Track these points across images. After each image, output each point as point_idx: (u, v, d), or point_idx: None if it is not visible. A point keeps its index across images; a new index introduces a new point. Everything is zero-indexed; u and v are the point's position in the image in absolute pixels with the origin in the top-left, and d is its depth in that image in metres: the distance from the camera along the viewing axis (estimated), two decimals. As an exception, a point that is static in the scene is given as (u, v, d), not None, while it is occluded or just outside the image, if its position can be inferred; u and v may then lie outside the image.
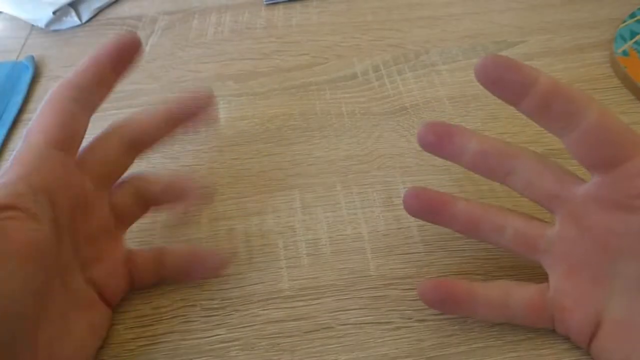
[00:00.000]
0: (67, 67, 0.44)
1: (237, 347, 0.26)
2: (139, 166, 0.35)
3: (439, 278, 0.28)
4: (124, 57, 0.28)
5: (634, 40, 0.39)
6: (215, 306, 0.28)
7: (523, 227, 0.25)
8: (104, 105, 0.40)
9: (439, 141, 0.25)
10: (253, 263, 0.30)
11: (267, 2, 0.49)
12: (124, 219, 0.28)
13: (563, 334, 0.25)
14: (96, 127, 0.38)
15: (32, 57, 0.45)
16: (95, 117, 0.39)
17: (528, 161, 0.24)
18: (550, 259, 0.25)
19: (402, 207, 0.31)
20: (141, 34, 0.47)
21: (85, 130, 0.27)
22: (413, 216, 0.26)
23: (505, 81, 0.21)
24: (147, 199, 0.28)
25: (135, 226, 0.32)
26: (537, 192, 0.24)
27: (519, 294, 0.25)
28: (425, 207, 0.26)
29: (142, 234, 0.31)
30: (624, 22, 0.42)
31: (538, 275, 0.28)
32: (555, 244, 0.24)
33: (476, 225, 0.25)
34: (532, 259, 0.25)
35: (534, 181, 0.24)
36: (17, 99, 0.41)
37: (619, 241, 0.22)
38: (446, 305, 0.25)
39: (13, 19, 0.50)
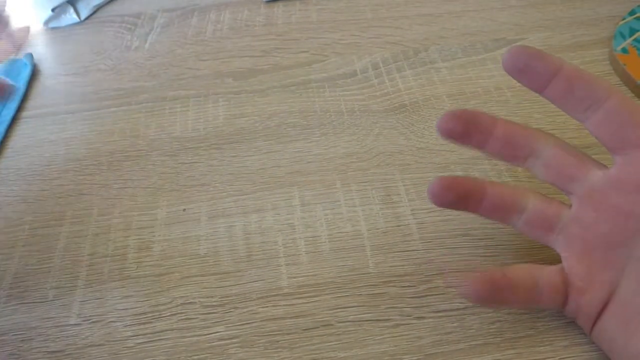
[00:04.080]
0: (65, 64, 0.44)
1: (236, 345, 0.26)
2: (138, 163, 0.35)
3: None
4: None
5: (633, 37, 0.39)
6: (214, 303, 0.28)
7: (542, 209, 0.25)
8: (103, 103, 0.40)
9: (465, 131, 0.24)
10: (252, 260, 0.30)
11: (267, 0, 0.49)
12: None
13: (571, 316, 0.25)
14: (97, 125, 0.39)
15: (31, 55, 0.45)
16: (95, 115, 0.39)
17: (550, 144, 0.24)
18: (564, 241, 0.25)
19: (401, 204, 0.32)
20: (140, 32, 0.47)
21: None
22: (440, 207, 0.26)
23: (532, 69, 0.23)
24: None
25: (134, 224, 0.32)
26: (557, 174, 0.24)
27: (543, 275, 0.25)
28: (454, 198, 0.25)
29: (141, 232, 0.31)
30: (624, 19, 0.41)
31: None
32: (570, 226, 0.25)
33: (501, 208, 0.25)
34: (545, 242, 0.26)
35: (555, 164, 0.24)
36: (16, 96, 0.41)
37: (637, 223, 0.22)
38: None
39: (12, 16, 0.50)
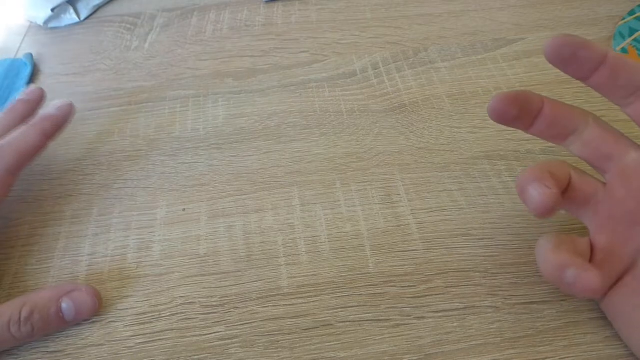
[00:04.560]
0: (65, 64, 0.44)
1: (236, 345, 0.26)
2: (137, 163, 0.35)
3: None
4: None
5: (632, 37, 0.39)
6: (214, 303, 0.28)
7: (579, 182, 0.25)
8: (103, 103, 0.40)
9: (519, 114, 0.25)
10: (252, 260, 0.30)
11: (267, 0, 0.49)
12: None
13: None
14: (97, 125, 0.39)
15: (31, 55, 0.45)
16: (94, 114, 0.39)
17: (590, 123, 0.25)
18: (593, 214, 0.25)
19: (401, 204, 0.32)
20: (140, 32, 0.47)
21: None
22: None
23: (578, 59, 0.23)
24: None
25: (134, 224, 0.32)
26: (594, 152, 0.25)
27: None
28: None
29: (141, 232, 0.31)
30: (623, 19, 0.42)
31: (536, 273, 0.28)
32: (600, 201, 0.25)
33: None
34: (576, 214, 0.26)
35: (594, 142, 0.25)
36: (16, 97, 0.41)
37: None
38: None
39: (11, 16, 0.50)
